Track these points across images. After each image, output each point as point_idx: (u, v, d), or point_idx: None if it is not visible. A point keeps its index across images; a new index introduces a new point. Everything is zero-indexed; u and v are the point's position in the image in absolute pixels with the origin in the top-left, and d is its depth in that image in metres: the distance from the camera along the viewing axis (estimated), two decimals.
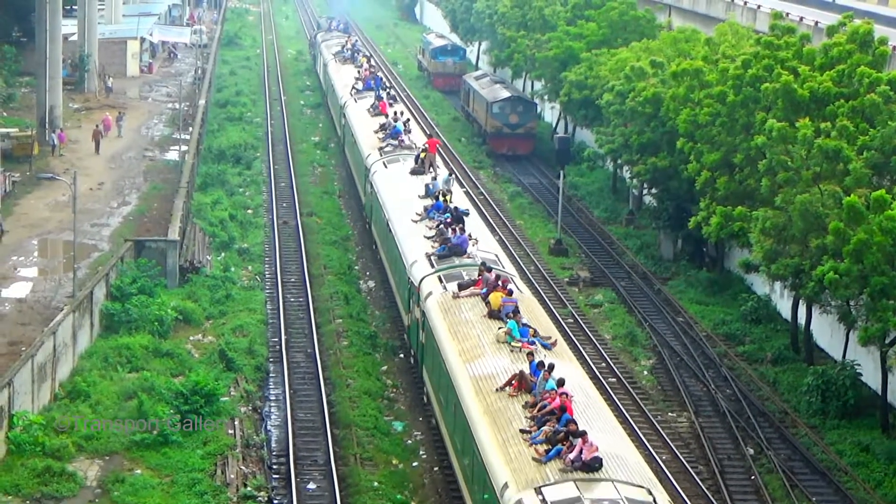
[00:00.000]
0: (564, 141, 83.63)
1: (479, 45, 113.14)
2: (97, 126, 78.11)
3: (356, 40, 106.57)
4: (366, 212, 63.30)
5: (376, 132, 64.94)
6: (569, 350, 39.28)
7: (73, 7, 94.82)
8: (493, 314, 38.47)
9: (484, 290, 40.43)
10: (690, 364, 50.96)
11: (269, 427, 43.78)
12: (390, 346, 50.93)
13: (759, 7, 74.86)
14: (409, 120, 66.66)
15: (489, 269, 41.61)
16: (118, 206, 64.56)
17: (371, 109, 70.54)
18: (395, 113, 67.46)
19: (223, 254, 60.92)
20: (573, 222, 71.17)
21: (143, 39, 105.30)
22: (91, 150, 75.67)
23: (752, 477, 41.69)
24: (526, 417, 31.81)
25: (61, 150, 73.60)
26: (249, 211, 69.61)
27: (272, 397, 46.55)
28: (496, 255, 46.17)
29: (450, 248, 45.01)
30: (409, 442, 43.01)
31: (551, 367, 33.36)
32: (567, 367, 35.02)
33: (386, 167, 58.91)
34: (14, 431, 38.79)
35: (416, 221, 49.74)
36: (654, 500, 28.44)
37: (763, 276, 49.97)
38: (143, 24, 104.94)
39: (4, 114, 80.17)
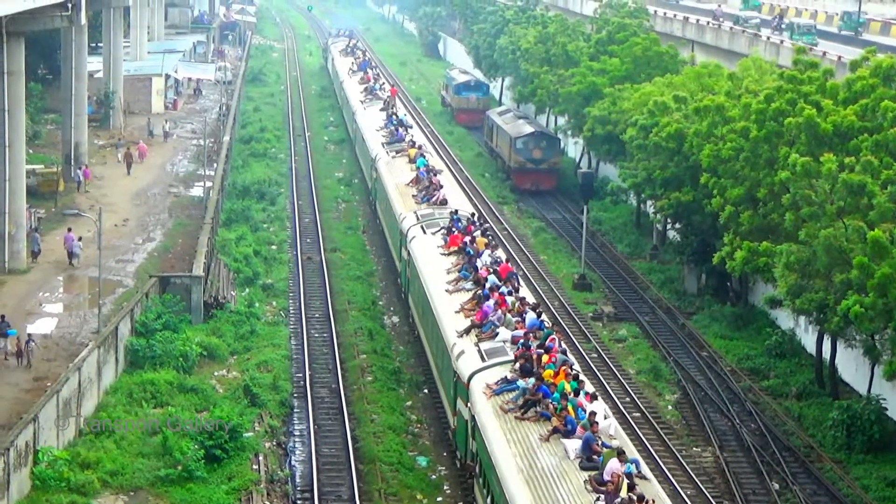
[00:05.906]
0: (588, 176, 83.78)
1: (503, 80, 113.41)
2: (128, 149, 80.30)
3: (357, 41, 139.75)
4: (352, 139, 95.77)
5: (361, 93, 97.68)
6: (451, 177, 71.50)
7: (99, 44, 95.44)
8: (411, 160, 68.31)
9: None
10: (715, 399, 50.83)
11: (293, 462, 43.81)
12: (415, 382, 50.97)
13: (781, 42, 74.90)
14: (383, 83, 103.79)
15: (413, 143, 72.89)
16: (143, 241, 64.84)
17: (360, 80, 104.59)
18: (374, 80, 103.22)
19: (247, 289, 61.11)
20: (597, 257, 71.17)
21: (167, 76, 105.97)
22: (118, 180, 76.58)
23: None
24: (416, 191, 61.91)
25: (86, 186, 74.00)
26: (273, 247, 69.83)
27: (296, 433, 46.60)
28: (423, 143, 74.76)
29: (395, 139, 75.83)
30: (434, 477, 42.99)
31: (431, 171, 64.54)
32: (444, 176, 65.33)
33: (365, 110, 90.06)
34: (39, 467, 38.91)
35: (378, 130, 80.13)
36: (474, 214, 57.63)
37: (787, 310, 49.81)
38: (167, 61, 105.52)
39: (30, 151, 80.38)
